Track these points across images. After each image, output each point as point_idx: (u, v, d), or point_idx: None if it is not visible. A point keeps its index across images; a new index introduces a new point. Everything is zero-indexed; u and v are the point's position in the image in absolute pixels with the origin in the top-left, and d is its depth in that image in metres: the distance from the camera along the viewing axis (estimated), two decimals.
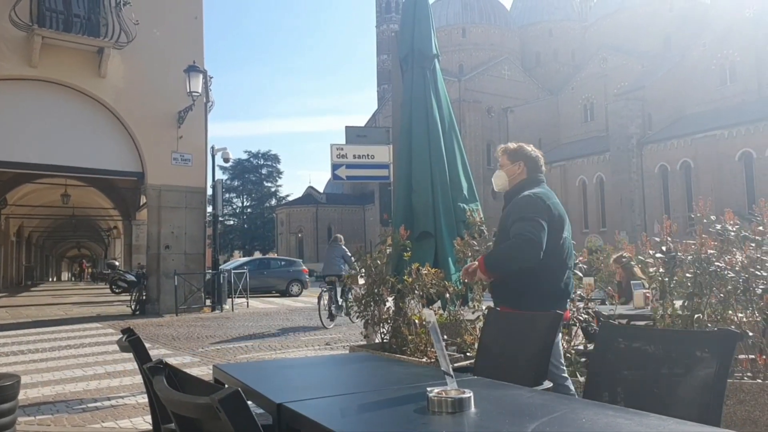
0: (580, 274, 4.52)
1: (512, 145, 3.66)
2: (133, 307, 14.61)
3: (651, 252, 4.01)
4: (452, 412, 1.45)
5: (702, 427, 1.28)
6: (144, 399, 5.21)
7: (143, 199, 16.74)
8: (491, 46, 57.43)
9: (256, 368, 2.64)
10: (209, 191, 16.59)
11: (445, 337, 5.24)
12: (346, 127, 7.48)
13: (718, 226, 3.99)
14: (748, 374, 3.63)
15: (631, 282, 5.38)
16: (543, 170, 3.63)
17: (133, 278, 17.04)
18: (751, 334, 3.63)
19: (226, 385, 1.73)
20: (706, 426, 1.31)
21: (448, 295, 5.31)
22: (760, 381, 3.54)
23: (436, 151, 6.19)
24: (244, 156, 65.51)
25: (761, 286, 3.67)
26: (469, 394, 1.49)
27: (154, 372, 1.19)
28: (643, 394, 1.75)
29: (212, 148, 16.94)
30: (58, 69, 13.03)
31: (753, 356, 3.65)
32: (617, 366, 1.85)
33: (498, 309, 3.08)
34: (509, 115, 53.87)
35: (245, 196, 67.22)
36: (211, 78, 15.91)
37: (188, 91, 13.76)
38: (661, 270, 3.96)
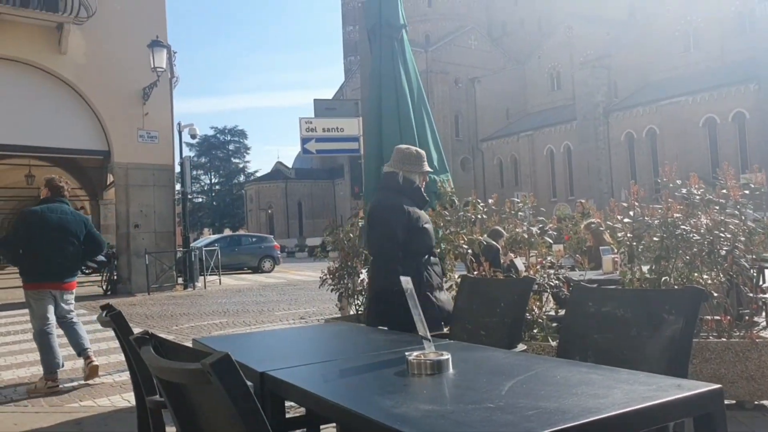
0: (550, 241, 4.62)
1: None
2: (104, 287, 14.41)
3: (619, 217, 4.12)
4: (431, 374, 1.49)
5: (671, 378, 1.35)
6: (121, 377, 5.19)
7: (110, 178, 16.39)
8: (457, 16, 56.95)
9: (237, 340, 2.65)
10: (177, 168, 16.31)
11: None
12: (315, 100, 7.41)
13: (684, 191, 4.11)
14: (714, 334, 3.79)
15: (600, 248, 5.52)
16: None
17: (102, 258, 16.72)
18: (716, 294, 3.77)
19: None
20: (674, 378, 1.38)
21: None
22: (724, 339, 3.70)
23: (406, 123, 6.19)
24: (211, 132, 64.26)
25: (725, 248, 3.81)
26: (447, 356, 1.54)
27: (141, 342, 1.20)
28: (614, 353, 1.83)
29: (179, 124, 16.59)
30: (16, 46, 12.54)
31: (718, 317, 3.80)
32: (588, 327, 1.92)
33: (471, 275, 3.16)
34: (476, 85, 53.84)
35: (213, 173, 66.14)
36: (175, 53, 15.51)
37: (152, 66, 13.38)
38: (629, 235, 4.07)
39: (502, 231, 6.11)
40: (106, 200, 21.07)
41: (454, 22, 56.61)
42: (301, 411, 2.16)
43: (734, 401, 3.65)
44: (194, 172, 60.08)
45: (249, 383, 1.68)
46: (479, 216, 5.30)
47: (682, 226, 3.75)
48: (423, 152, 3.52)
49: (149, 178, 14.40)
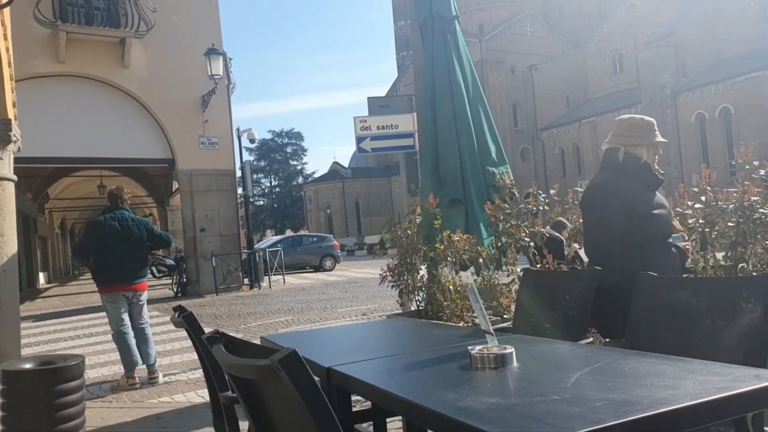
0: None
1: None
2: (174, 289, 15.08)
3: (690, 203, 3.94)
4: (495, 368, 1.49)
5: (748, 369, 1.29)
6: (194, 375, 5.43)
7: (175, 185, 17.09)
8: (511, 3, 55.80)
9: (302, 337, 2.73)
10: (238, 173, 16.84)
11: (481, 301, 5.28)
12: (368, 98, 7.46)
13: (762, 172, 3.88)
14: None
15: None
16: None
17: (172, 262, 17.54)
18: None
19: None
20: (752, 368, 1.32)
21: (481, 260, 5.32)
22: None
23: (461, 117, 6.13)
24: (269, 136, 65.77)
25: None
26: (510, 349, 1.53)
27: (212, 341, 1.26)
28: (687, 344, 1.76)
29: (237, 129, 17.11)
30: (84, 62, 13.27)
31: None
32: (658, 318, 1.86)
33: (534, 269, 3.11)
34: (534, 73, 52.56)
35: (273, 176, 67.72)
36: (230, 60, 16.00)
37: (210, 74, 13.86)
38: (701, 221, 3.88)
39: (566, 222, 5.97)
40: (172, 206, 22.02)
41: (508, 10, 55.51)
42: (367, 405, 2.20)
43: None
44: (254, 176, 61.75)
45: (316, 378, 1.73)
46: (541, 208, 5.19)
47: (761, 210, 3.54)
48: (652, 120, 3.00)
49: (212, 184, 14.94)
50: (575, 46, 54.50)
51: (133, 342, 5.15)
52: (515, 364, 1.51)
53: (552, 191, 5.09)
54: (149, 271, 5.82)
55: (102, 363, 6.50)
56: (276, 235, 41.77)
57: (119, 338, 5.13)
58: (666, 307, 1.83)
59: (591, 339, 2.17)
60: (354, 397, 1.90)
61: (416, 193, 6.59)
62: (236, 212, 15.70)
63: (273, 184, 68.35)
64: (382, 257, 5.91)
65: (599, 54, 51.16)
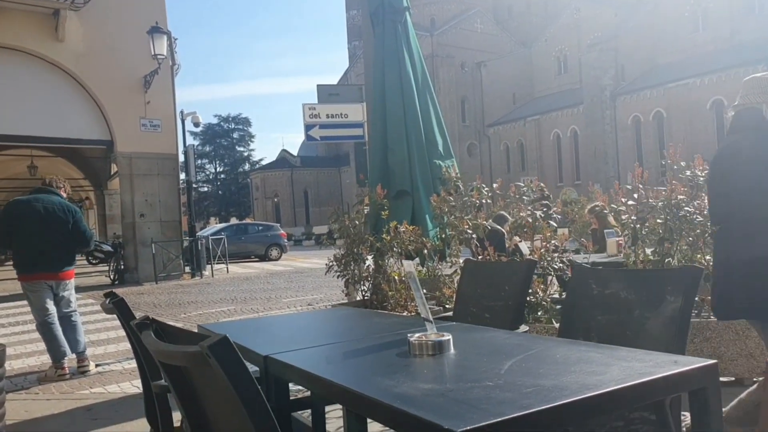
0: (554, 225, 4.62)
1: None
2: (111, 276, 14.55)
3: (623, 200, 4.11)
4: (433, 355, 1.51)
5: (668, 355, 1.36)
6: (130, 365, 5.26)
7: (114, 168, 16.46)
8: None
9: (241, 326, 2.68)
10: (181, 157, 16.36)
11: (425, 291, 5.35)
12: (318, 85, 7.38)
13: (688, 172, 4.09)
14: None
15: (605, 231, 5.52)
16: None
17: (109, 248, 16.90)
18: None
19: None
20: (672, 354, 1.39)
21: (426, 251, 5.39)
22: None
23: (410, 108, 6.16)
24: (215, 120, 64.14)
25: None
26: (448, 336, 1.55)
27: (141, 327, 1.22)
28: (616, 333, 1.84)
29: (181, 112, 16.60)
30: (13, 33, 12.53)
31: None
32: (590, 308, 1.93)
33: (475, 259, 3.15)
34: (483, 69, 53.43)
35: (218, 162, 66.13)
36: (175, 40, 15.46)
37: (153, 53, 13.35)
38: (633, 217, 4.07)
39: (507, 216, 6.12)
40: (110, 190, 21.18)
41: (459, 5, 56.06)
42: (307, 393, 2.19)
43: (734, 378, 3.68)
44: (199, 161, 60.16)
45: (254, 368, 1.71)
46: (484, 201, 5.30)
47: (686, 208, 3.74)
48: None
49: (153, 168, 14.44)
50: (523, 45, 55.71)
51: (59, 331, 4.86)
52: (452, 351, 1.54)
53: (495, 185, 5.20)
54: (83, 258, 5.50)
55: (28, 353, 6.19)
56: (220, 222, 40.84)
57: (44, 329, 4.83)
58: (597, 298, 1.91)
59: (527, 328, 2.23)
60: (297, 387, 1.88)
61: (365, 183, 6.59)
62: (178, 198, 15.25)
63: (218, 170, 66.75)
64: (330, 247, 5.88)
65: (545, 54, 52.51)
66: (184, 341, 1.17)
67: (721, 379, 3.70)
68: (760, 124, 2.45)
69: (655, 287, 1.72)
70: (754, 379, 3.67)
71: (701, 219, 3.78)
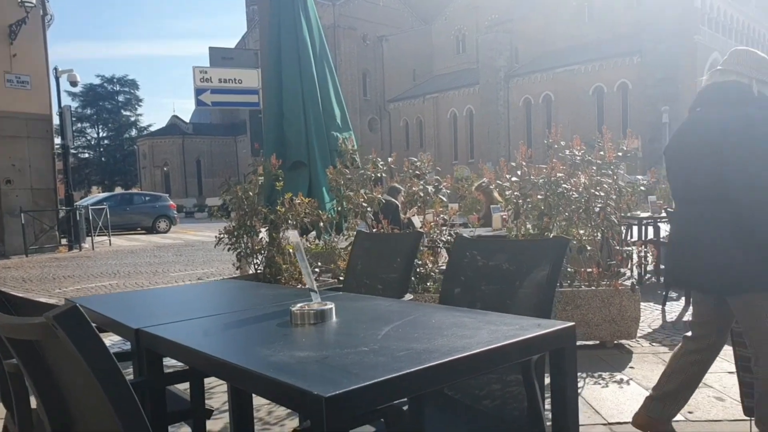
0: (444, 199, 4.77)
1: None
2: None
3: (507, 176, 4.32)
4: (314, 323, 1.50)
5: (532, 319, 1.45)
6: None
7: None
8: None
9: (115, 299, 2.52)
10: (56, 120, 14.98)
11: (320, 263, 5.34)
12: (210, 48, 7.04)
13: (567, 152, 4.38)
14: (585, 283, 4.14)
15: (491, 206, 5.78)
16: None
17: None
18: (589, 248, 4.11)
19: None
20: (537, 318, 1.48)
21: (322, 224, 5.37)
22: (593, 288, 4.06)
23: (307, 77, 6.04)
24: (97, 81, 59.19)
25: (599, 205, 4.13)
26: (330, 305, 1.55)
27: None
28: (494, 300, 1.93)
29: (55, 69, 15.14)
30: None
31: (590, 269, 4.15)
32: (469, 276, 2.02)
33: (366, 231, 3.18)
34: (384, 43, 53.56)
35: (101, 126, 61.25)
36: None
37: (19, 0, 12.00)
38: (516, 193, 4.29)
39: (400, 187, 6.23)
40: None
41: None
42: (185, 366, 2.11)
43: (598, 341, 4.04)
44: (78, 125, 55.40)
45: (126, 342, 1.61)
46: (379, 175, 5.35)
47: (564, 185, 4.00)
48: None
49: (22, 129, 13.11)
50: (423, 22, 56.38)
51: None
52: (334, 319, 1.54)
53: (390, 159, 5.26)
54: None
55: None
56: (103, 192, 38.11)
57: None
58: (476, 267, 1.99)
59: (411, 296, 2.29)
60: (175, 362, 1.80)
61: (259, 152, 6.41)
62: (53, 164, 13.99)
63: (101, 135, 61.90)
64: (223, 220, 5.68)
65: (445, 32, 53.56)
66: (34, 313, 1.07)
67: (588, 342, 4.06)
68: (739, 98, 2.27)
69: (527, 257, 1.82)
70: (614, 342, 4.06)
71: (576, 195, 4.07)
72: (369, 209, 5.04)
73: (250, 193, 5.21)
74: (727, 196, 2.19)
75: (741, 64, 2.34)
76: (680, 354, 2.58)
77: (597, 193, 4.06)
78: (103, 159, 60.22)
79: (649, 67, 34.65)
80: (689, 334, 2.60)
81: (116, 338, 4.23)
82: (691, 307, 4.90)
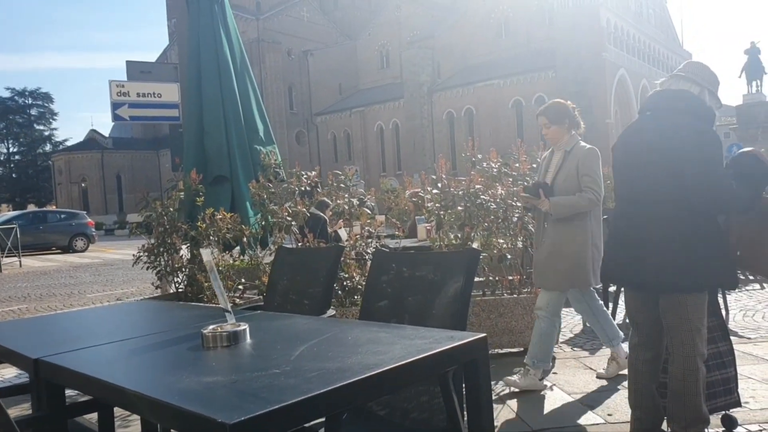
0: (369, 212, 4.80)
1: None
2: None
3: (429, 188, 4.41)
4: (227, 345, 1.46)
5: (446, 331, 1.48)
6: None
7: None
8: None
9: (13, 327, 2.35)
10: None
11: (244, 280, 5.22)
12: (128, 62, 6.76)
13: (484, 164, 4.52)
14: (507, 291, 4.27)
15: (416, 217, 5.87)
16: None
17: None
18: (509, 257, 4.24)
19: None
20: (451, 330, 1.51)
21: (245, 239, 5.26)
22: (515, 296, 4.19)
23: (228, 91, 5.94)
24: (7, 94, 55.62)
25: (516, 215, 4.29)
26: (244, 326, 1.52)
27: None
28: (410, 312, 1.95)
29: None
30: None
31: (511, 277, 4.28)
32: (386, 289, 2.03)
33: (288, 246, 3.14)
34: (309, 58, 53.50)
35: (11, 141, 57.51)
36: None
37: None
38: (437, 205, 4.38)
39: (329, 201, 6.21)
40: None
41: None
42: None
43: (522, 348, 4.16)
44: None
45: (22, 374, 1.50)
46: (304, 188, 5.31)
47: (482, 196, 4.12)
48: None
49: None
50: (348, 37, 56.82)
51: None
52: (248, 340, 1.50)
53: (313, 173, 5.24)
54: None
55: None
56: (15, 209, 35.55)
57: None
58: (394, 280, 2.01)
59: (333, 312, 2.28)
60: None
61: (179, 167, 6.22)
62: None
63: (11, 150, 58.09)
64: (143, 237, 5.44)
65: (369, 47, 54.19)
66: None
67: (512, 349, 4.17)
68: (691, 109, 2.35)
69: (441, 268, 1.86)
70: None
71: (494, 206, 4.21)
72: (294, 223, 4.99)
73: (170, 209, 5.03)
74: (669, 197, 2.31)
75: (695, 74, 2.43)
76: (631, 356, 2.61)
77: (514, 203, 4.21)
78: (13, 175, 56.46)
79: (563, 82, 36.45)
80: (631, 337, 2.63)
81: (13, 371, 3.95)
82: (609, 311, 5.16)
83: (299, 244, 4.85)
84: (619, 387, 3.40)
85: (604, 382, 3.55)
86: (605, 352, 4.17)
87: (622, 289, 3.88)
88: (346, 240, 4.72)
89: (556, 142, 3.43)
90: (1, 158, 56.96)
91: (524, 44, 42.99)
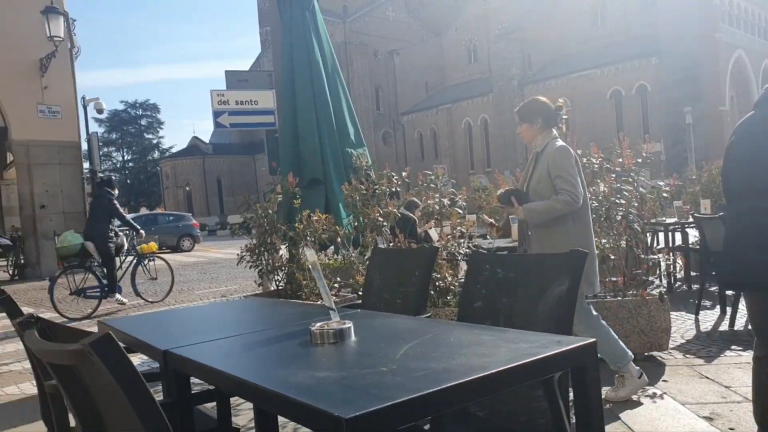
0: (460, 211, 4.78)
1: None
2: (11, 272, 13.56)
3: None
4: (333, 342, 1.53)
5: (552, 336, 1.46)
6: (29, 364, 4.93)
7: (10, 157, 15.29)
8: None
9: (143, 320, 2.59)
10: (84, 145, 15.45)
11: (339, 279, 5.38)
12: (226, 71, 7.17)
13: (585, 160, 4.35)
14: (611, 293, 4.08)
15: (509, 216, 5.76)
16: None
17: (7, 242, 15.65)
18: (612, 257, 4.05)
19: None
20: (556, 335, 1.49)
21: (339, 239, 5.42)
22: (619, 298, 4.00)
23: (320, 96, 6.14)
24: (121, 107, 60.78)
25: (620, 213, 4.10)
26: (349, 324, 1.58)
27: (24, 326, 1.16)
28: (514, 315, 1.94)
29: (83, 98, 15.59)
30: None
31: (615, 278, 4.09)
32: (484, 291, 2.03)
33: (382, 247, 3.20)
34: (395, 57, 53.85)
35: (125, 150, 62.76)
36: (73, 21, 14.51)
37: (48, 35, 12.41)
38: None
39: (418, 201, 6.25)
40: (7, 180, 19.63)
41: None
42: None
43: None
44: (105, 149, 56.75)
45: (155, 363, 1.65)
46: (394, 189, 5.38)
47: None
48: None
49: (54, 156, 13.54)
50: (434, 34, 56.57)
51: None
52: (353, 338, 1.56)
53: (404, 174, 5.29)
54: None
55: None
56: (129, 213, 38.70)
57: None
58: (493, 282, 2.01)
59: (430, 313, 2.31)
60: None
61: (276, 171, 6.52)
62: (82, 188, 14.38)
63: (126, 158, 63.37)
64: (244, 237, 5.75)
65: (456, 43, 53.64)
66: (71, 340, 1.12)
67: None
68: None
69: (545, 271, 1.83)
70: (645, 354, 3.97)
71: (596, 204, 4.05)
72: (385, 224, 5.07)
73: (270, 211, 5.29)
74: None
75: None
76: (756, 369, 2.39)
77: (617, 201, 4.03)
78: (128, 181, 61.50)
79: (668, 68, 34.22)
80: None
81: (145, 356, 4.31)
82: (727, 316, 4.79)
83: (390, 244, 4.92)
84: (740, 399, 3.15)
85: (723, 393, 3.26)
86: (723, 359, 3.88)
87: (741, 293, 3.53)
88: (438, 240, 4.74)
89: (530, 142, 3.32)
90: (118, 166, 62.19)
91: (623, 31, 40.78)
